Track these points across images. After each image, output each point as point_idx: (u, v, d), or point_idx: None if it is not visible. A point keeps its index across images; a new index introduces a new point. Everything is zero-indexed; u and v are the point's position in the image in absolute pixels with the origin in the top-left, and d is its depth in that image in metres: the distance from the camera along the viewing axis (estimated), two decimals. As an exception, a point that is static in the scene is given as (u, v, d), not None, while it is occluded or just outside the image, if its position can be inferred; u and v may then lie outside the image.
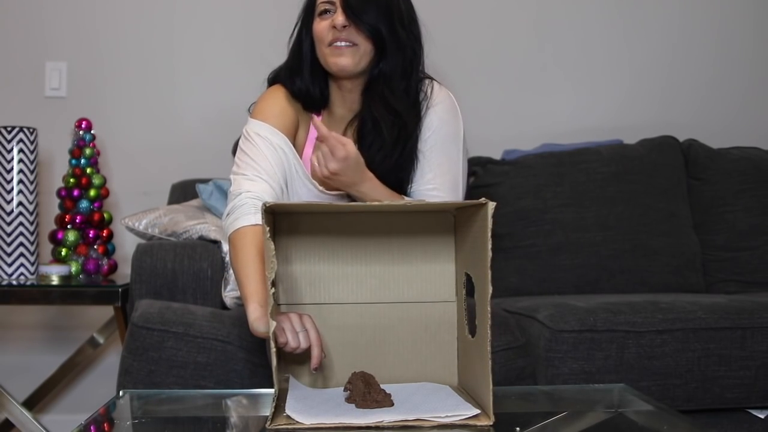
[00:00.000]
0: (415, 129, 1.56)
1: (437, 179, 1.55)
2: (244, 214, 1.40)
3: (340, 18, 1.51)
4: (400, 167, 1.55)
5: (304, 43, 1.60)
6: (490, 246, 1.08)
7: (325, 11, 1.55)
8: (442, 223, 1.29)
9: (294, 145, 1.55)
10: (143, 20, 2.60)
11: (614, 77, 2.74)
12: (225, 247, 1.92)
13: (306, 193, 1.54)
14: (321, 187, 1.54)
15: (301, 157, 1.58)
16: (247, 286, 1.31)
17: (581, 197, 2.33)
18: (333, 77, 1.61)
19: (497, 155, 2.53)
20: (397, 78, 1.56)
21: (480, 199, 1.11)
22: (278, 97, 1.59)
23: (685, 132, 2.56)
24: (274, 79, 1.66)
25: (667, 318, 1.72)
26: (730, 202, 2.38)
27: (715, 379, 1.72)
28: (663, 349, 1.70)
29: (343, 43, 1.53)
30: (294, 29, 1.64)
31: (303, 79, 1.60)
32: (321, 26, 1.55)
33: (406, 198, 1.55)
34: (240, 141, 1.53)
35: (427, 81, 1.62)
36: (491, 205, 1.09)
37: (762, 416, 1.76)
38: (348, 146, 1.40)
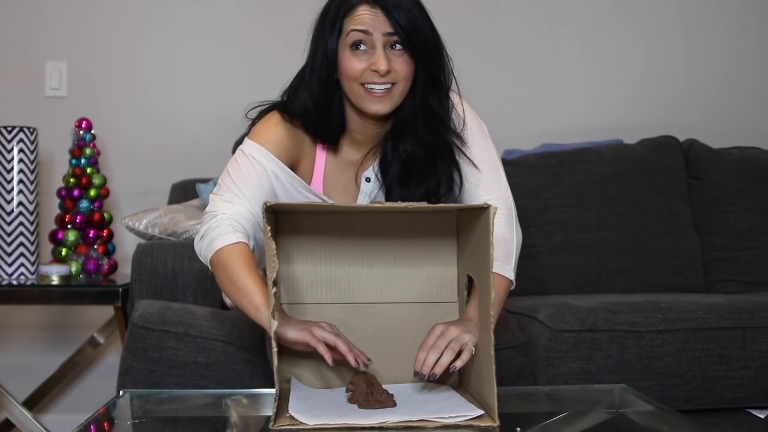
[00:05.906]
0: (452, 157, 1.43)
1: (489, 195, 1.48)
2: (222, 234, 1.30)
3: (382, 64, 1.33)
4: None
5: (324, 73, 1.38)
6: (492, 251, 1.08)
7: (358, 44, 1.34)
8: (444, 224, 1.29)
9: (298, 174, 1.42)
10: (143, 20, 2.60)
11: (614, 77, 2.74)
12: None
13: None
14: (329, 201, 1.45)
15: (310, 182, 1.46)
16: (253, 297, 1.24)
17: (581, 197, 2.33)
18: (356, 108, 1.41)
19: (497, 155, 2.53)
20: (433, 112, 1.42)
21: (482, 203, 1.11)
22: (277, 129, 1.41)
23: (686, 132, 2.56)
24: (283, 105, 1.45)
25: (667, 318, 1.72)
26: (730, 202, 2.38)
27: (715, 379, 1.72)
28: (663, 349, 1.70)
29: (381, 88, 1.35)
30: (311, 49, 1.40)
31: (322, 120, 1.41)
32: (353, 65, 1.35)
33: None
34: (229, 162, 1.40)
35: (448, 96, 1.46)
36: (493, 209, 1.09)
37: (762, 416, 1.76)
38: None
